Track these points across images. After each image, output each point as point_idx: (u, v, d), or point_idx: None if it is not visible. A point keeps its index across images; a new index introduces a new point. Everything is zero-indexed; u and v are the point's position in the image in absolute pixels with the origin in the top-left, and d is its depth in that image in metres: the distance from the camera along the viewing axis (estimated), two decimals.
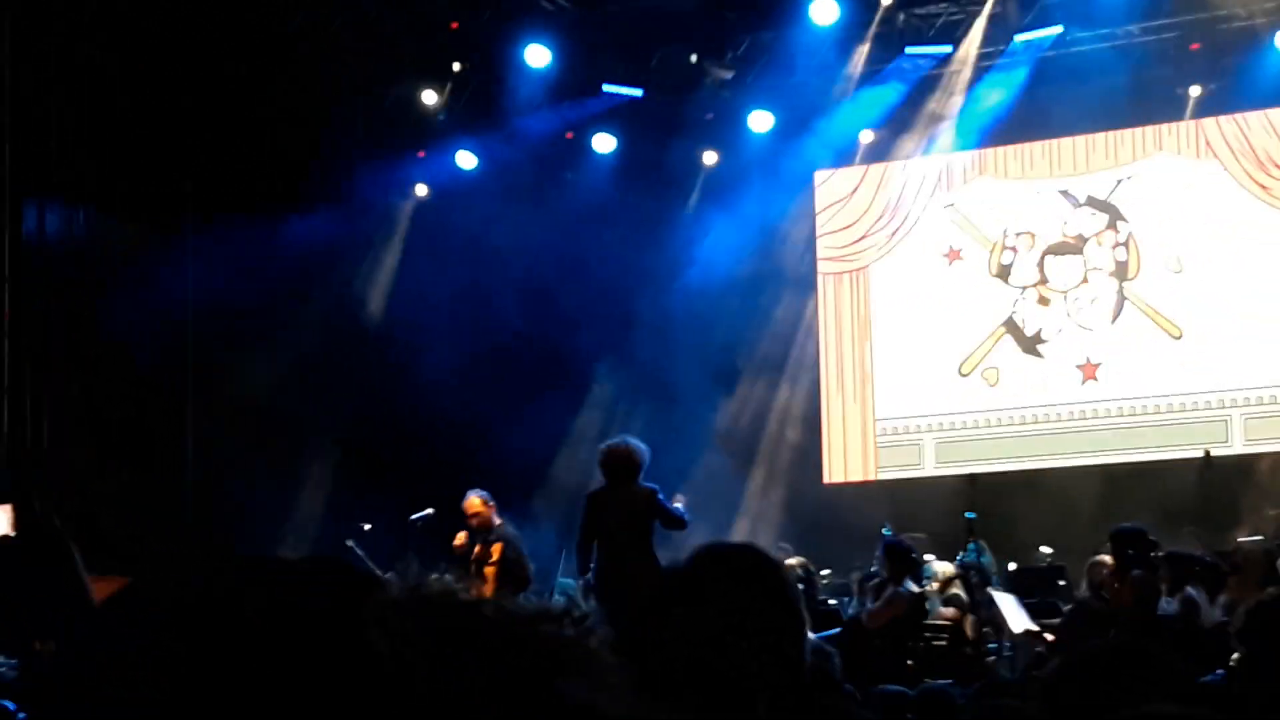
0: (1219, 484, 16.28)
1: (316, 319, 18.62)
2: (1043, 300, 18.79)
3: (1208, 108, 17.95)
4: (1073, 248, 18.74)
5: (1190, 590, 11.86)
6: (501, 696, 1.10)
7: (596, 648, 1.20)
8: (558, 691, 1.12)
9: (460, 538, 12.82)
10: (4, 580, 6.21)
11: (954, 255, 19.20)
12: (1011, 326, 18.88)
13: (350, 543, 14.21)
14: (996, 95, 18.53)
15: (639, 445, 11.42)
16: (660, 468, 12.06)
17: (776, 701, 2.63)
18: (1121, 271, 18.49)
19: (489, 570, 12.42)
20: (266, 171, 18.03)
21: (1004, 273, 18.99)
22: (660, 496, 11.21)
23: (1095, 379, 18.41)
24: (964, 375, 18.96)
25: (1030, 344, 18.78)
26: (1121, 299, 18.44)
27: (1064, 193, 18.81)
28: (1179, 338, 18.10)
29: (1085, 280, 18.63)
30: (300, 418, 18.13)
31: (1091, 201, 18.69)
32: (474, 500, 12.74)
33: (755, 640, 2.62)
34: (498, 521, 12.72)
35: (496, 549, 12.55)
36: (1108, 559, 12.07)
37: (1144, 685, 2.97)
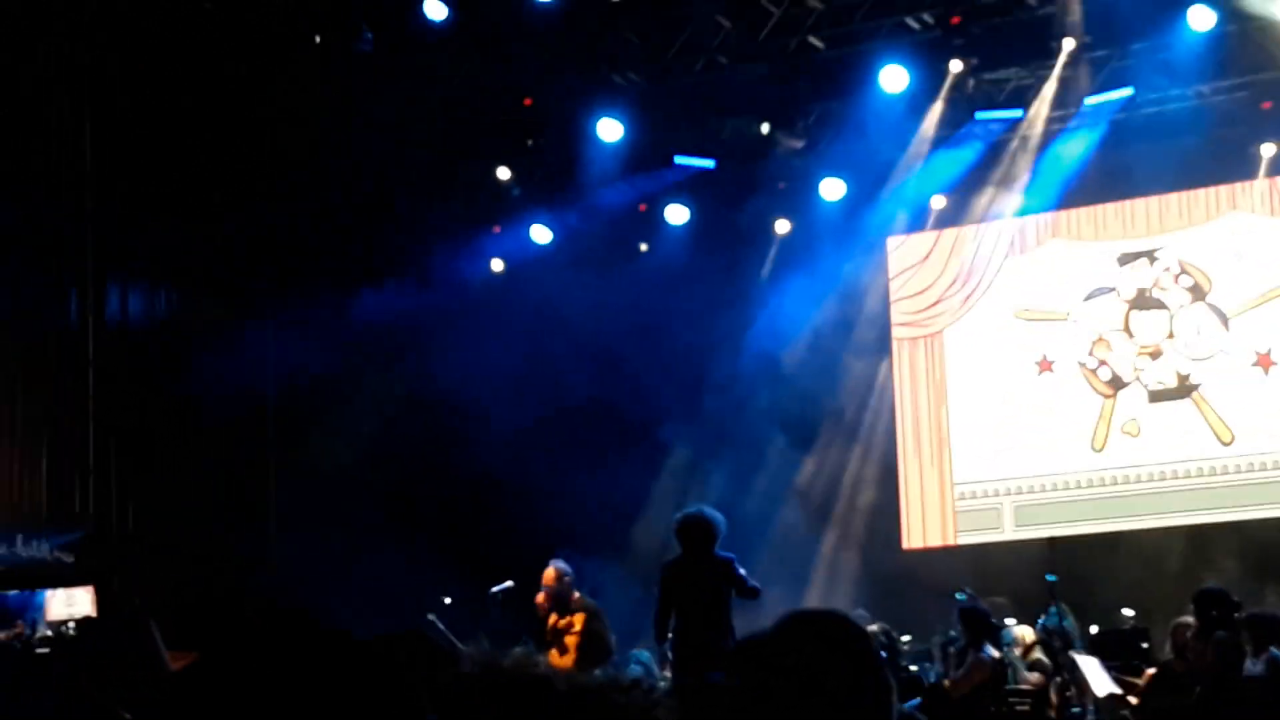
0: None
1: (395, 392, 18.82)
2: (1124, 359, 18.66)
3: None
4: (1152, 304, 18.62)
5: (1275, 651, 11.76)
6: None
7: (664, 718, 1.23)
8: None
9: (541, 596, 12.77)
10: (85, 656, 6.35)
11: (1030, 319, 19.13)
12: (1092, 378, 18.76)
13: (432, 617, 14.24)
14: (1068, 158, 18.51)
15: (714, 514, 11.43)
16: (736, 532, 12.08)
17: None
18: (1199, 329, 18.34)
19: (570, 640, 12.41)
20: (344, 248, 18.28)
21: (1085, 334, 18.88)
22: (736, 565, 11.21)
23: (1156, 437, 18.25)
24: (1097, 451, 18.71)
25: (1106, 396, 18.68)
26: (1202, 356, 18.30)
27: (1139, 254, 18.72)
28: (1262, 394, 17.92)
29: (1170, 335, 18.48)
30: (380, 490, 18.27)
31: (1168, 261, 18.58)
32: (551, 572, 12.71)
33: (843, 708, 2.61)
34: (576, 595, 12.69)
35: (580, 619, 12.52)
36: (1188, 620, 11.99)
37: None
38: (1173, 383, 18.42)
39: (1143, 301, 18.70)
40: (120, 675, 5.98)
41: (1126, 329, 18.71)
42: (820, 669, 2.64)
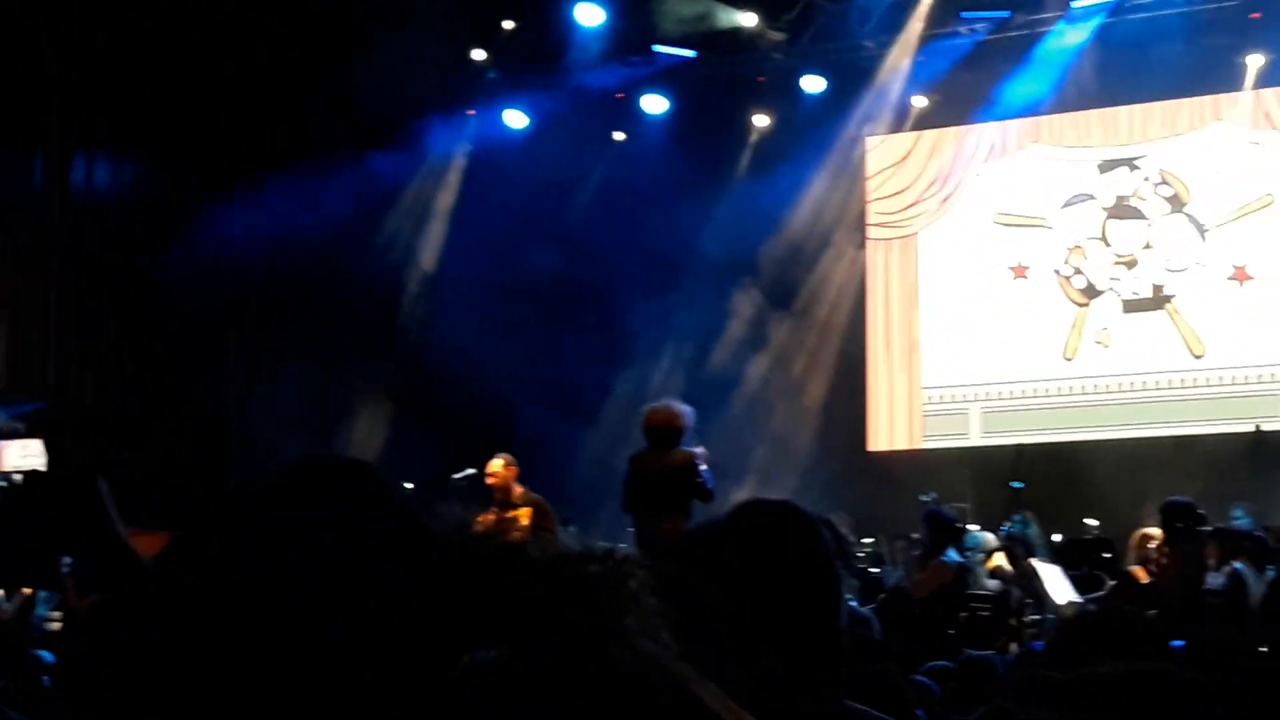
0: (1269, 459, 16.09)
1: (365, 275, 18.65)
2: (1099, 268, 18.57)
3: (1268, 78, 17.68)
4: (1129, 214, 18.49)
5: (1238, 565, 11.74)
6: (549, 634, 1.11)
7: (638, 588, 1.20)
8: (619, 635, 1.13)
9: (491, 512, 12.57)
10: (31, 512, 6.17)
11: (1007, 223, 19.01)
12: (1066, 286, 18.67)
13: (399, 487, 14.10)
14: (1053, 62, 18.30)
15: (681, 408, 11.27)
16: (701, 433, 11.96)
17: (810, 662, 2.59)
18: (1173, 240, 18.24)
19: (516, 536, 12.23)
20: (314, 124, 17.99)
21: (1061, 240, 18.77)
22: (698, 463, 11.02)
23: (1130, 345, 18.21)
24: (1068, 360, 18.64)
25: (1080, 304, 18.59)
26: (1178, 267, 18.22)
27: (1120, 161, 18.58)
28: (1231, 310, 17.85)
29: (1148, 245, 18.38)
30: (348, 371, 18.14)
31: (1149, 170, 18.45)
32: (499, 462, 12.52)
33: (790, 598, 2.58)
34: (520, 489, 12.51)
35: (526, 514, 12.36)
36: (1152, 531, 11.95)
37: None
38: (1147, 294, 18.33)
39: (1121, 210, 18.57)
40: (64, 529, 5.85)
41: (1103, 238, 18.60)
42: (769, 558, 2.61)
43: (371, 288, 18.98)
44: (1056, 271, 18.75)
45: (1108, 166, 18.64)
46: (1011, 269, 18.91)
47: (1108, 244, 18.57)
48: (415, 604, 1.14)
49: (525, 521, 12.26)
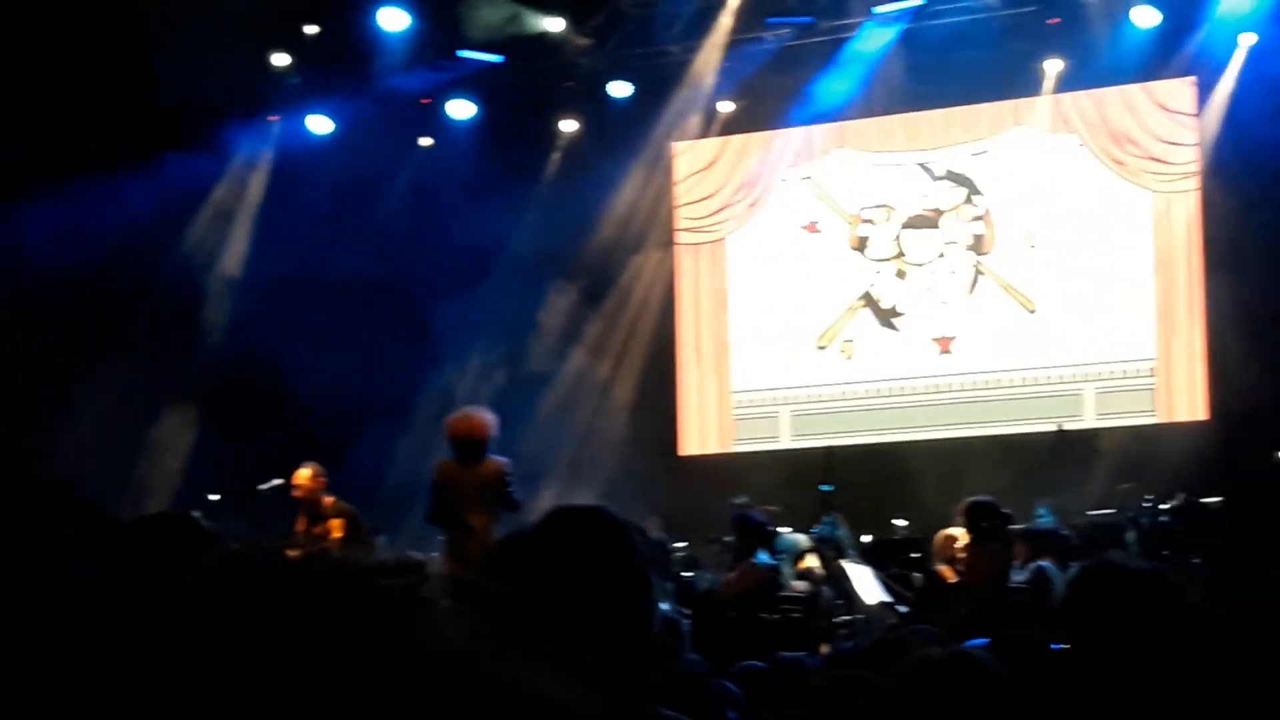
0: (1071, 457, 16.37)
1: (168, 278, 18.29)
2: (900, 274, 18.82)
3: (1066, 83, 18.03)
4: (930, 221, 18.77)
5: (1043, 563, 11.91)
6: (341, 646, 1.09)
7: (434, 596, 1.18)
8: (407, 640, 1.11)
9: (301, 523, 12.35)
10: None
11: (812, 228, 19.17)
12: (869, 300, 18.89)
13: (196, 514, 13.82)
14: (856, 67, 18.47)
15: (486, 415, 11.11)
16: (511, 435, 11.84)
17: (623, 668, 2.53)
18: (978, 245, 18.56)
19: (328, 547, 12.03)
20: (113, 126, 17.53)
21: (861, 246, 18.99)
22: (506, 473, 10.87)
23: (950, 352, 18.48)
24: (821, 348, 18.95)
25: (886, 317, 18.80)
26: (977, 273, 18.52)
27: (922, 166, 18.84)
28: (1033, 312, 18.21)
29: (942, 254, 18.68)
30: (153, 377, 17.74)
31: (949, 175, 18.73)
32: (307, 472, 12.29)
33: (602, 602, 2.56)
34: (330, 499, 12.29)
35: (337, 525, 12.15)
36: (956, 532, 12.06)
37: None
38: (948, 298, 18.57)
39: (919, 218, 18.81)
40: None
41: (902, 245, 18.82)
42: (581, 563, 2.59)
43: (175, 292, 18.58)
44: (860, 278, 18.94)
45: (910, 172, 18.87)
46: (817, 274, 19.04)
47: (904, 251, 18.79)
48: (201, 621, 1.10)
49: (337, 534, 12.05)
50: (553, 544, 2.63)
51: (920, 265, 18.73)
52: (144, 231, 17.56)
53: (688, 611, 11.07)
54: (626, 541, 2.67)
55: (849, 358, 18.85)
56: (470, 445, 10.84)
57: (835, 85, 18.61)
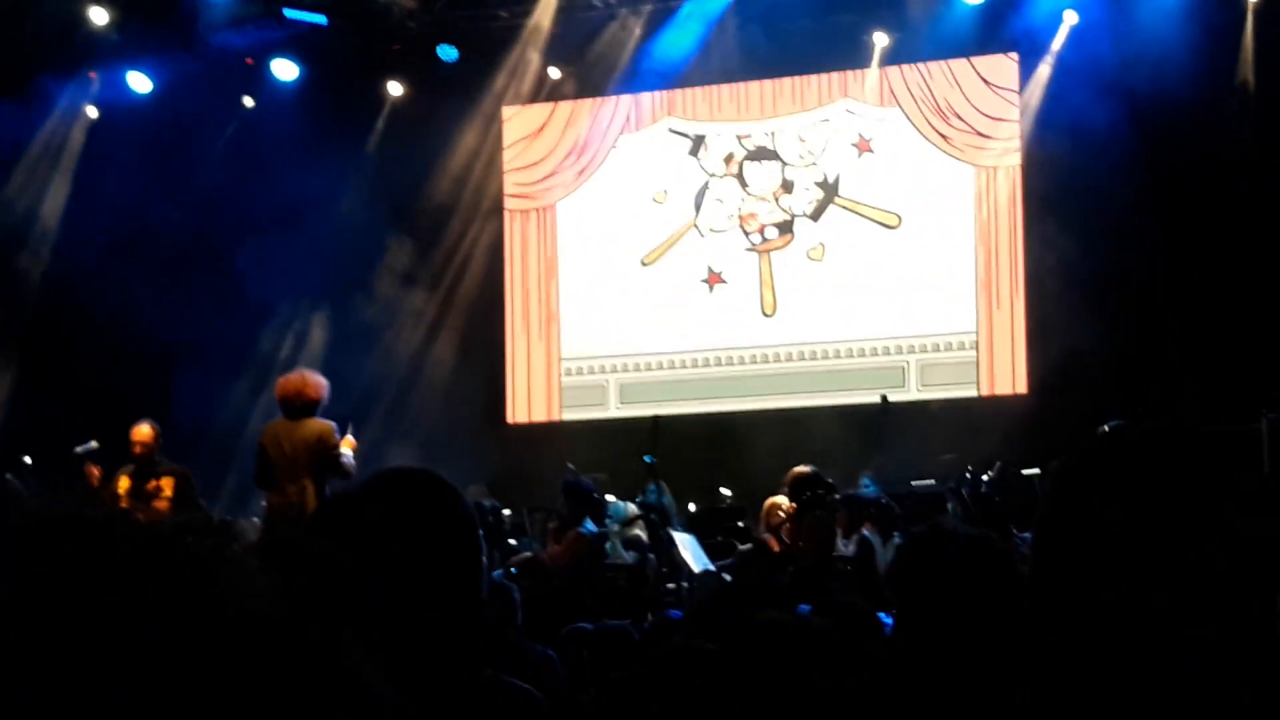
0: (895, 428, 16.56)
1: None
2: (722, 242, 18.88)
3: (893, 57, 18.19)
4: (758, 190, 18.84)
5: (866, 532, 12.04)
6: (143, 610, 1.06)
7: (240, 556, 1.15)
8: (208, 600, 1.08)
9: (124, 482, 12.13)
10: None
11: (640, 196, 19.15)
12: (703, 270, 18.93)
13: (9, 476, 13.52)
14: (685, 35, 18.48)
15: (316, 377, 10.97)
16: (342, 399, 11.69)
17: (451, 633, 2.55)
18: (806, 216, 18.66)
19: (160, 505, 11.84)
20: None
21: (693, 210, 18.99)
22: (334, 436, 10.75)
23: (773, 318, 18.56)
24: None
25: (714, 284, 18.85)
26: (804, 245, 18.63)
27: (748, 136, 18.89)
28: (859, 284, 18.36)
29: (771, 224, 18.76)
30: None
31: (776, 146, 18.80)
32: (147, 429, 12.12)
33: (432, 566, 2.53)
34: (161, 459, 12.14)
35: (168, 483, 11.98)
36: (781, 500, 12.14)
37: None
38: (772, 271, 18.68)
39: (745, 184, 18.87)
40: None
41: (732, 216, 18.89)
42: (410, 526, 2.54)
43: None
44: (685, 248, 18.98)
45: (734, 142, 18.94)
46: (645, 243, 19.05)
47: (734, 221, 18.87)
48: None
49: (168, 492, 11.90)
50: (382, 504, 2.58)
51: (748, 234, 18.79)
52: None
53: (519, 579, 11.01)
54: (458, 504, 2.62)
55: (700, 333, 18.81)
56: (298, 406, 10.72)
57: (663, 54, 18.58)
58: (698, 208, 18.98)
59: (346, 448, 10.78)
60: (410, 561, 2.49)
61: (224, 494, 14.96)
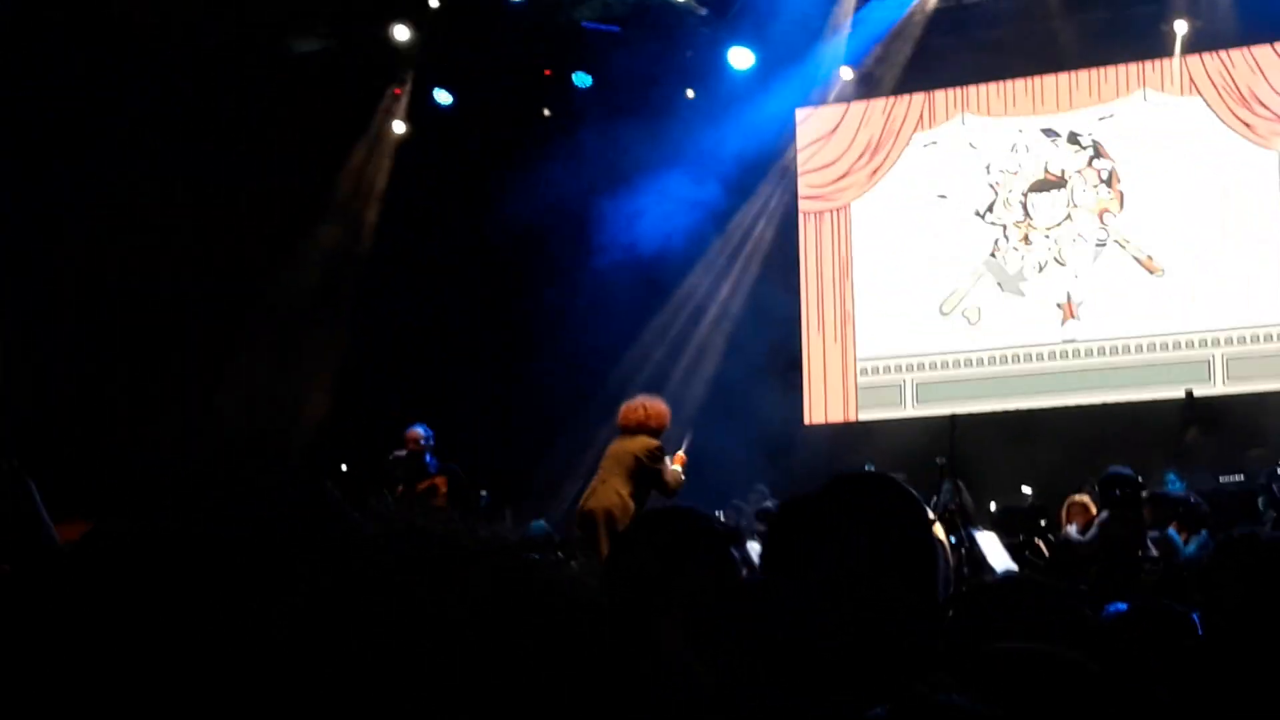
0: (1201, 424, 16.20)
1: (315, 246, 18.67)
2: (1025, 239, 18.66)
3: (1192, 44, 17.78)
4: (1055, 184, 18.59)
5: (1170, 530, 11.85)
6: (487, 625, 1.08)
7: (580, 572, 1.14)
8: (550, 616, 1.10)
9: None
10: None
11: (936, 194, 19.05)
12: (993, 265, 18.76)
13: (328, 484, 14.00)
14: (979, 32, 18.33)
15: (656, 404, 11.41)
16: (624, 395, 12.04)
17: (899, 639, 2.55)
18: (1103, 210, 18.36)
19: (438, 504, 12.28)
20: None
21: (986, 210, 18.84)
22: (659, 451, 11.15)
23: (1076, 318, 18.30)
24: (945, 314, 18.85)
25: (1012, 283, 18.66)
26: (1103, 237, 18.32)
27: (1046, 130, 18.65)
28: (1161, 276, 17.99)
29: (1068, 218, 18.50)
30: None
31: (1074, 139, 18.54)
32: (416, 431, 12.62)
33: (890, 571, 2.59)
34: (434, 461, 12.62)
35: (442, 482, 12.44)
36: (1083, 498, 12.01)
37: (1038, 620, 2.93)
38: (1073, 264, 18.41)
39: (1046, 182, 18.64)
40: None
41: (1029, 209, 18.66)
42: (869, 530, 2.60)
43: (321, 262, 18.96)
44: (986, 243, 18.81)
45: (1036, 136, 18.70)
46: (942, 240, 18.93)
47: (1032, 216, 18.64)
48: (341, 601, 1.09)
49: (443, 489, 12.34)
50: (837, 510, 2.65)
51: (1046, 230, 18.57)
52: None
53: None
54: (915, 508, 2.69)
55: (974, 324, 18.73)
56: (632, 425, 11.17)
57: (956, 51, 18.44)
58: (990, 207, 18.80)
59: (676, 464, 11.15)
60: (870, 564, 2.54)
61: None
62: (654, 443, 11.05)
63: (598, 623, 1.12)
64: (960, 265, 18.82)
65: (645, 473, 10.96)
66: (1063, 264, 18.45)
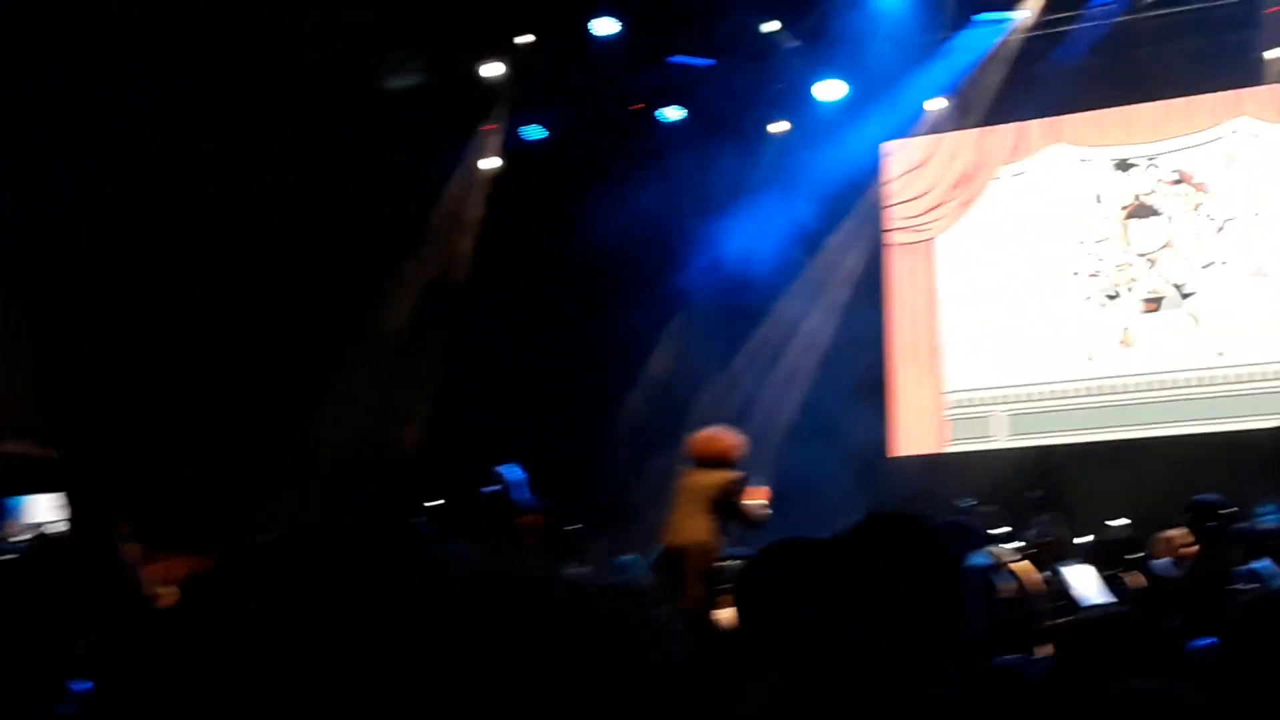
0: None
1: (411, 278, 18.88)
2: (1120, 267, 18.49)
3: None
4: (1151, 213, 18.42)
5: (1256, 564, 11.67)
6: (576, 670, 1.09)
7: (663, 617, 1.19)
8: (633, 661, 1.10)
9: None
10: (45, 584, 5.53)
11: (1026, 224, 18.94)
12: (1084, 293, 18.61)
13: (421, 520, 14.07)
14: (1069, 62, 18.23)
15: (727, 434, 11.41)
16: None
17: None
18: (1202, 237, 18.16)
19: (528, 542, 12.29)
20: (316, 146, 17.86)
21: (1079, 241, 18.69)
22: (740, 484, 11.16)
23: (1168, 346, 18.11)
24: (1091, 360, 18.54)
25: (1103, 312, 18.50)
26: (1200, 265, 18.13)
27: (1140, 158, 18.51)
28: (1252, 304, 17.77)
29: (1166, 244, 18.31)
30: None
31: (1169, 168, 18.37)
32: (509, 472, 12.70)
33: (921, 609, 2.61)
34: None
35: (534, 520, 12.47)
36: (1173, 533, 11.88)
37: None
38: (1168, 292, 18.24)
39: (1141, 210, 18.49)
40: (82, 601, 5.43)
41: (1124, 237, 18.52)
42: (902, 569, 2.64)
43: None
44: (1076, 272, 18.67)
45: (1128, 165, 18.57)
46: (1032, 270, 18.82)
47: (1129, 243, 18.49)
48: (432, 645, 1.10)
49: (536, 527, 12.35)
50: (871, 550, 2.69)
51: (1142, 258, 18.40)
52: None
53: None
54: (945, 548, 2.73)
55: (1067, 354, 18.54)
56: (707, 458, 11.17)
57: (1046, 80, 18.33)
58: (1084, 236, 18.67)
59: (760, 497, 11.15)
60: (902, 602, 2.58)
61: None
62: (738, 475, 11.07)
63: (670, 675, 1.12)
64: (1055, 297, 18.67)
65: (728, 507, 10.97)
66: (1157, 292, 18.27)
